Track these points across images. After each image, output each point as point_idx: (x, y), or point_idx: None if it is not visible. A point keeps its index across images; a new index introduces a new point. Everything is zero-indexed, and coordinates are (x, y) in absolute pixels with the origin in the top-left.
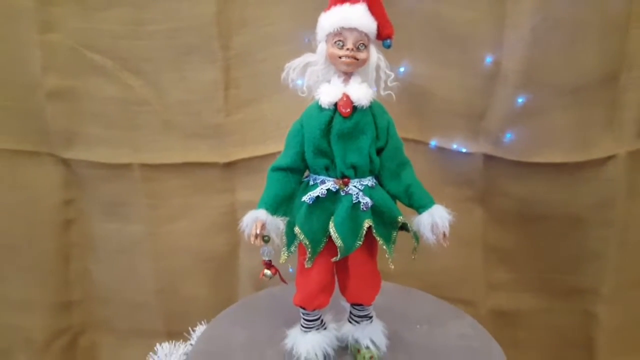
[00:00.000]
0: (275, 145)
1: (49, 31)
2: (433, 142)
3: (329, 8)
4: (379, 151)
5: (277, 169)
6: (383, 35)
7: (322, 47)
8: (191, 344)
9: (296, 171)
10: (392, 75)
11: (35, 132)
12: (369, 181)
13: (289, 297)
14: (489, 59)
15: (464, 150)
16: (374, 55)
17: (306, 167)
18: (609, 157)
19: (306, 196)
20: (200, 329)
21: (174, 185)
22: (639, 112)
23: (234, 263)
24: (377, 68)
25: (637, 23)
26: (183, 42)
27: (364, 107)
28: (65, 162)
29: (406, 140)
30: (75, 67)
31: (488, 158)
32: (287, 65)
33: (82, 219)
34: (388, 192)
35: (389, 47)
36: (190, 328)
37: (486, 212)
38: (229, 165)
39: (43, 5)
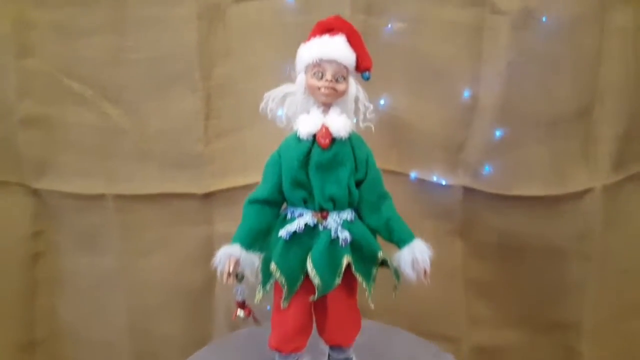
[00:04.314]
0: (255, 175)
1: (26, 56)
2: (413, 174)
3: (308, 39)
4: (358, 183)
5: (254, 201)
6: (362, 68)
7: (301, 78)
8: None
9: (273, 204)
10: (371, 107)
11: (4, 161)
12: (347, 214)
13: (265, 337)
14: (466, 93)
15: (443, 182)
16: (353, 87)
17: (284, 199)
18: (586, 191)
19: (283, 231)
20: None
21: (149, 216)
22: (613, 146)
23: (210, 299)
24: (356, 100)
25: (608, 58)
26: (164, 71)
27: (343, 139)
28: (36, 193)
29: (386, 171)
30: (52, 93)
31: (467, 191)
32: (266, 95)
33: (51, 252)
34: (368, 226)
35: (367, 79)
36: None
37: (466, 245)
38: (207, 196)
39: (21, 30)
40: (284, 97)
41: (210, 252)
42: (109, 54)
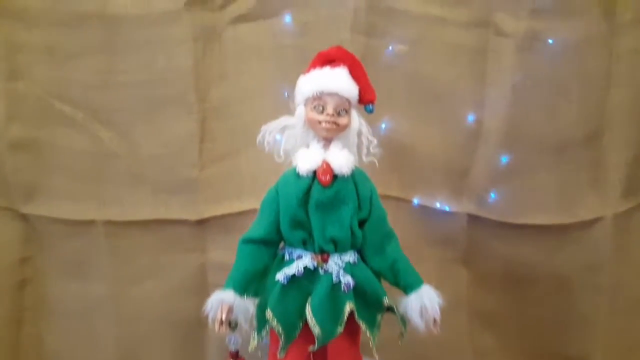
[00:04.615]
0: (251, 201)
1: (15, 79)
2: (416, 200)
3: (308, 71)
4: (362, 223)
5: (249, 241)
6: (365, 100)
7: (300, 111)
8: None
9: (270, 244)
10: (375, 141)
11: None
12: (350, 257)
13: None
14: (471, 117)
15: (447, 209)
16: (356, 120)
17: (281, 238)
18: (596, 219)
19: (280, 274)
20: None
21: (141, 243)
22: (623, 172)
23: (203, 330)
24: (359, 134)
25: (616, 82)
26: (158, 94)
27: (345, 176)
28: (24, 218)
29: (388, 197)
30: (42, 117)
31: (472, 218)
32: (264, 128)
33: (39, 278)
34: (372, 269)
35: (371, 112)
36: None
37: (471, 274)
38: (201, 222)
39: (10, 53)
40: (282, 130)
41: (203, 281)
42: (100, 76)
